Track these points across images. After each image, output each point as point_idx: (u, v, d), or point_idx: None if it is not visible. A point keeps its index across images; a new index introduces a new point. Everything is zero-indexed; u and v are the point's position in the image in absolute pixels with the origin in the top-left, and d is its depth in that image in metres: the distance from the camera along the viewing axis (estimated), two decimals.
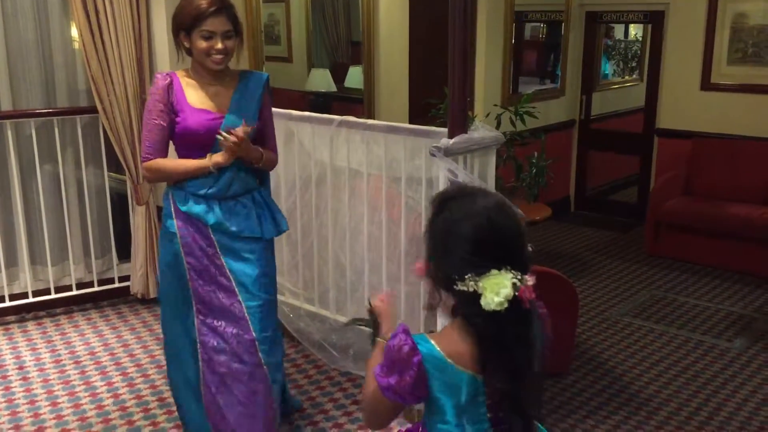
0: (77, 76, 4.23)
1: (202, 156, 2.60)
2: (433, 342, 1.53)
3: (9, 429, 3.11)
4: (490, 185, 3.06)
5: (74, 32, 4.18)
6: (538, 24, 6.89)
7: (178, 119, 2.60)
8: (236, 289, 2.66)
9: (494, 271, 1.48)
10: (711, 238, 5.45)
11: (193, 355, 2.74)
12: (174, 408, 3.06)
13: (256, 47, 4.94)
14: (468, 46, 2.92)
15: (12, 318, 4.18)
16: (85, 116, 4.17)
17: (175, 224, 2.66)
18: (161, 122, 2.60)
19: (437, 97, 4.72)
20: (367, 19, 5.65)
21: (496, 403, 1.57)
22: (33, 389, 3.43)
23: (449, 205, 1.57)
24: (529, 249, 1.56)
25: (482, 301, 1.47)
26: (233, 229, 2.65)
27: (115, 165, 4.32)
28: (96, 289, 4.34)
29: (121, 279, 4.41)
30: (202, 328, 2.69)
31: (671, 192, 5.80)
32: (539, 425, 1.68)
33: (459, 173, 2.86)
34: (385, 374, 1.55)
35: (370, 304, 1.77)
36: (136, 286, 4.34)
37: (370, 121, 3.55)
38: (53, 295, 4.22)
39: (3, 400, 3.33)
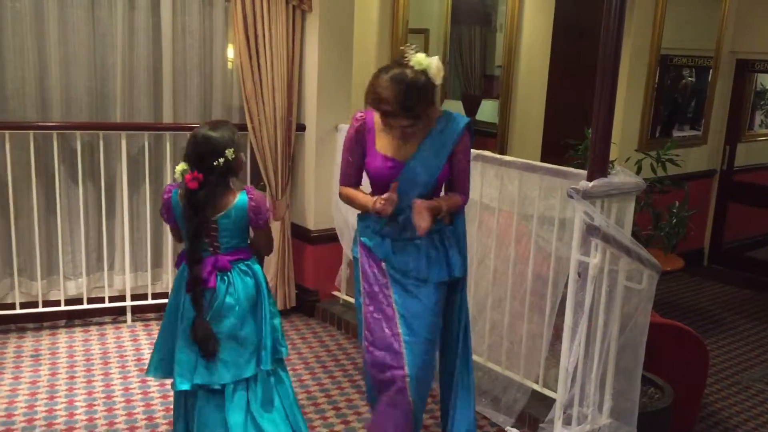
0: (232, 94, 4.52)
1: (385, 192, 2.68)
2: (180, 191, 2.66)
3: (144, 419, 3.34)
4: (627, 232, 3.00)
5: (230, 53, 4.48)
6: (683, 68, 6.68)
7: (365, 158, 2.77)
8: (398, 322, 2.71)
9: (182, 164, 2.62)
10: None
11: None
12: None
13: None
14: (616, 90, 2.90)
15: (152, 315, 4.48)
16: None
17: (358, 251, 2.84)
18: (350, 158, 2.81)
19: (573, 137, 4.68)
20: (508, 54, 5.69)
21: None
22: (147, 381, 3.63)
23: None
24: (221, 161, 2.58)
25: None
26: (400, 267, 2.73)
27: (257, 180, 4.56)
28: None
29: None
30: (366, 354, 2.78)
31: None
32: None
33: (596, 217, 2.83)
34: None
35: None
36: None
37: (507, 158, 3.56)
38: None
39: (139, 392, 3.58)
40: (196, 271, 2.63)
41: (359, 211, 2.88)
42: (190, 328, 2.64)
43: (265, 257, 4.55)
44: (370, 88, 2.62)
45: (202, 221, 2.62)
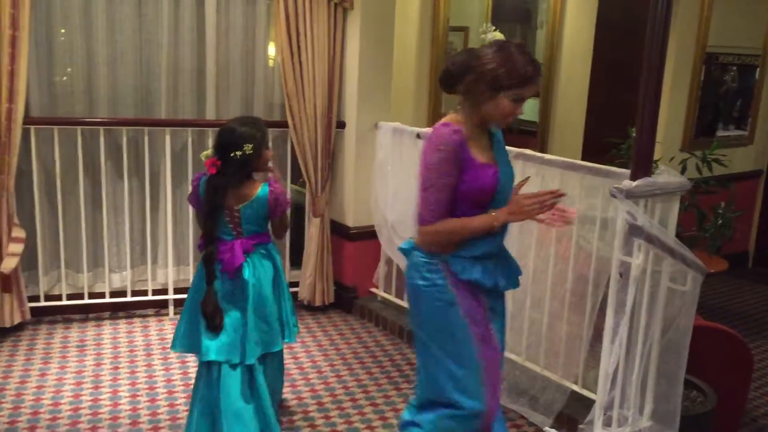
0: (274, 91, 4.57)
1: (476, 213, 2.40)
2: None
3: (185, 410, 3.39)
4: (671, 232, 2.96)
5: (272, 51, 4.52)
6: (729, 66, 6.54)
7: (465, 177, 2.34)
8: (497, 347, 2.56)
9: (210, 149, 2.94)
10: None
11: None
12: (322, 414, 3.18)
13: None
14: (661, 88, 2.86)
15: None
16: (276, 129, 4.48)
17: (452, 292, 2.42)
18: (452, 180, 2.33)
19: (615, 136, 4.62)
20: (549, 51, 5.65)
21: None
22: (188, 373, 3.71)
23: None
24: (238, 154, 2.80)
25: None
26: (501, 285, 2.49)
27: (296, 177, 4.60)
28: None
29: (291, 285, 4.64)
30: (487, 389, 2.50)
31: None
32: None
33: (639, 216, 2.79)
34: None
35: None
36: (303, 292, 4.58)
37: (548, 156, 3.53)
38: None
39: (181, 383, 3.64)
40: (210, 249, 2.88)
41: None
42: (201, 302, 2.87)
43: (304, 252, 4.59)
44: (505, 67, 2.25)
45: (216, 203, 2.85)
